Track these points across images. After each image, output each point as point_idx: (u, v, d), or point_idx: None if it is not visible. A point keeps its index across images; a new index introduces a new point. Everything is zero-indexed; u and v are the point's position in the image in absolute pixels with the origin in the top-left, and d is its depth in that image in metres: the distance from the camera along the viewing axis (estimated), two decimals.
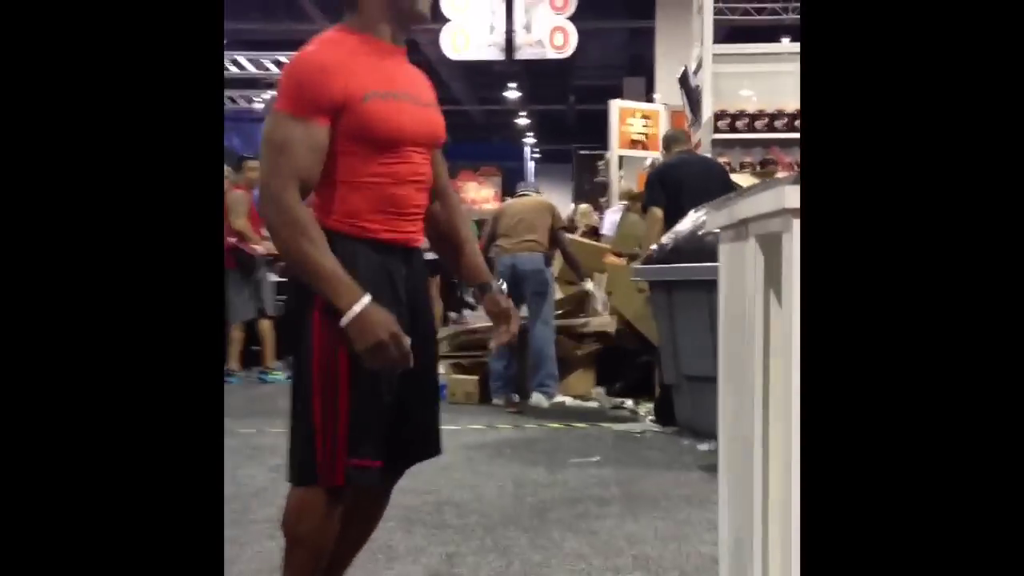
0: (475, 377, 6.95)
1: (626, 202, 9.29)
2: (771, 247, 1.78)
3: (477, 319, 9.07)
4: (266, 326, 8.18)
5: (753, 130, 9.40)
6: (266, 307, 8.15)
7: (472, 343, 7.22)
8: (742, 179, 7.29)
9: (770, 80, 9.22)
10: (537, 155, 31.97)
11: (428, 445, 2.35)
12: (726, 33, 12.65)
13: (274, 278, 8.80)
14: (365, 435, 2.12)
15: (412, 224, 2.22)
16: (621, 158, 13.18)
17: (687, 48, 10.87)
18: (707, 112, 9.44)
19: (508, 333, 2.45)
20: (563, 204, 15.37)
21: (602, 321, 7.31)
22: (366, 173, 2.12)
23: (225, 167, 8.34)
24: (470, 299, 10.89)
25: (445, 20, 12.61)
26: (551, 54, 12.89)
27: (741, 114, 9.46)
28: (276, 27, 17.03)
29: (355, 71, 2.09)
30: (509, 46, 12.77)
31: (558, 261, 7.53)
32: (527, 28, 12.71)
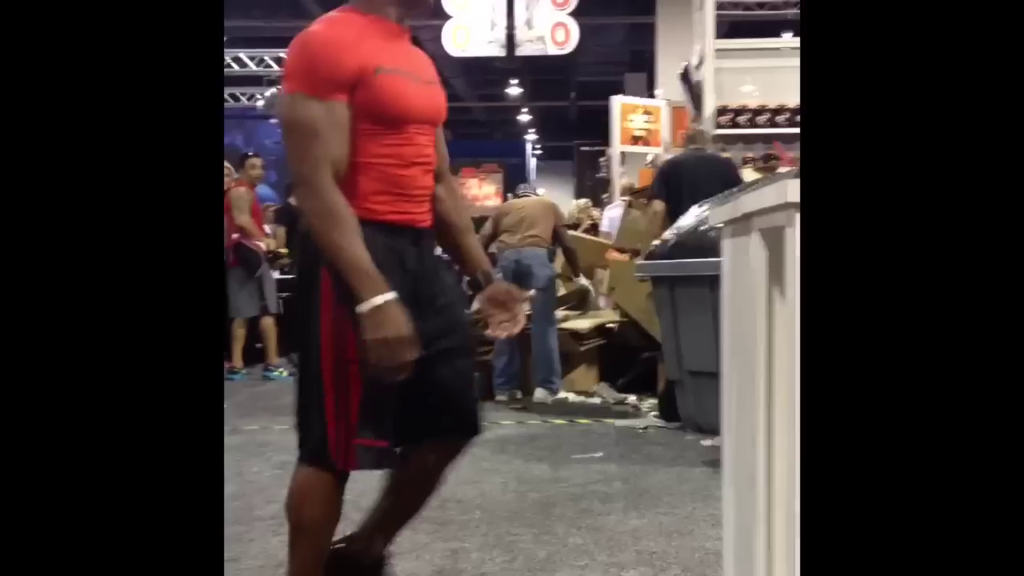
0: (477, 373, 6.95)
1: (628, 198, 9.29)
2: (774, 241, 1.78)
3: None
4: (268, 323, 8.19)
5: (755, 125, 9.40)
6: (269, 304, 8.15)
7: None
8: (744, 174, 7.30)
9: (772, 75, 9.22)
10: (539, 152, 31.95)
11: (465, 425, 2.36)
12: (727, 28, 12.64)
13: (276, 275, 8.81)
14: (374, 416, 2.12)
15: (419, 205, 2.21)
16: (623, 154, 13.16)
17: (688, 44, 10.86)
18: (709, 107, 9.44)
19: (516, 323, 2.44)
20: (565, 201, 15.37)
21: (604, 317, 7.31)
22: (372, 154, 2.11)
23: (227, 165, 8.36)
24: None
25: (447, 17, 12.59)
26: (552, 50, 12.87)
27: (743, 109, 9.46)
28: (278, 24, 17.02)
29: (366, 47, 2.09)
30: (510, 43, 12.76)
31: (558, 259, 7.54)
32: (528, 24, 12.69)
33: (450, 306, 2.30)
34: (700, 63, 9.77)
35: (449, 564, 3.18)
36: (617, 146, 12.81)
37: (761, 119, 9.37)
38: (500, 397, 6.71)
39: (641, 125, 12.76)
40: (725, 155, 7.64)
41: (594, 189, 19.87)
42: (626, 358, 7.02)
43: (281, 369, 8.25)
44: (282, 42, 18.66)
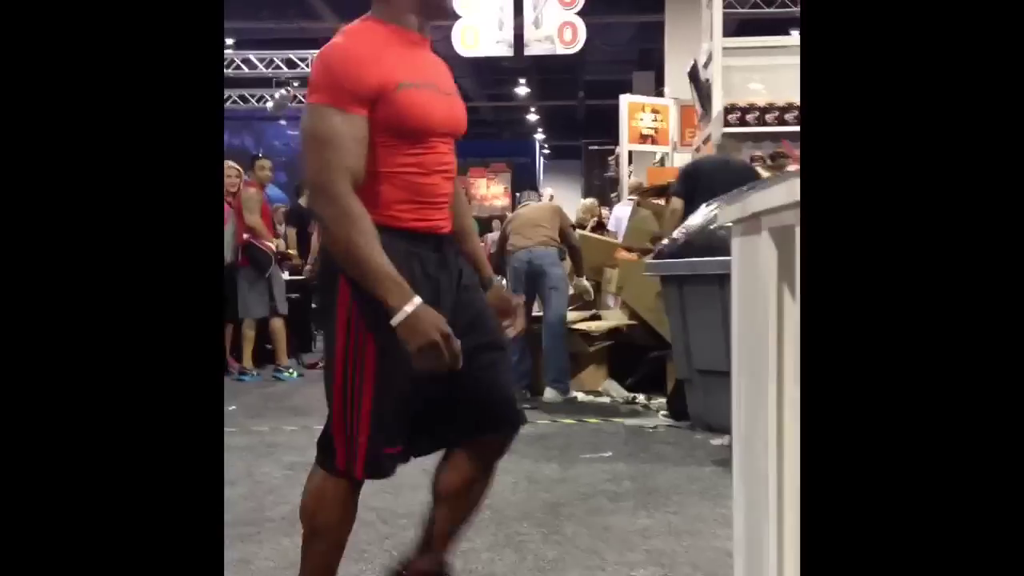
0: None
1: (636, 197, 9.29)
2: (784, 240, 1.78)
3: None
4: (278, 324, 8.21)
5: (764, 123, 9.39)
6: (278, 305, 8.17)
7: None
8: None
9: (780, 73, 9.20)
10: (547, 151, 31.95)
11: (505, 418, 2.35)
12: (736, 26, 12.62)
13: (286, 276, 8.84)
14: (385, 424, 2.13)
15: (440, 211, 2.23)
16: (631, 153, 13.17)
17: (697, 42, 10.85)
18: (717, 106, 9.43)
19: (516, 328, 2.46)
20: (573, 200, 15.36)
21: (616, 320, 7.31)
22: (395, 164, 2.12)
23: (237, 166, 8.38)
24: None
25: (456, 17, 12.61)
26: (560, 50, 12.87)
27: (751, 107, 9.44)
28: (287, 26, 17.06)
29: (388, 61, 2.10)
30: (518, 42, 12.77)
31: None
32: (536, 24, 12.69)
33: (474, 305, 2.31)
34: (708, 61, 9.76)
35: (459, 564, 3.19)
36: (625, 145, 12.82)
37: (770, 117, 9.35)
38: None
39: (649, 124, 12.76)
40: (750, 163, 7.65)
41: (602, 188, 19.89)
42: (635, 357, 7.02)
43: (291, 370, 8.27)
44: (291, 44, 18.76)
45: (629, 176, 12.82)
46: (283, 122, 21.12)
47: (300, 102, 18.67)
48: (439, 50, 2.37)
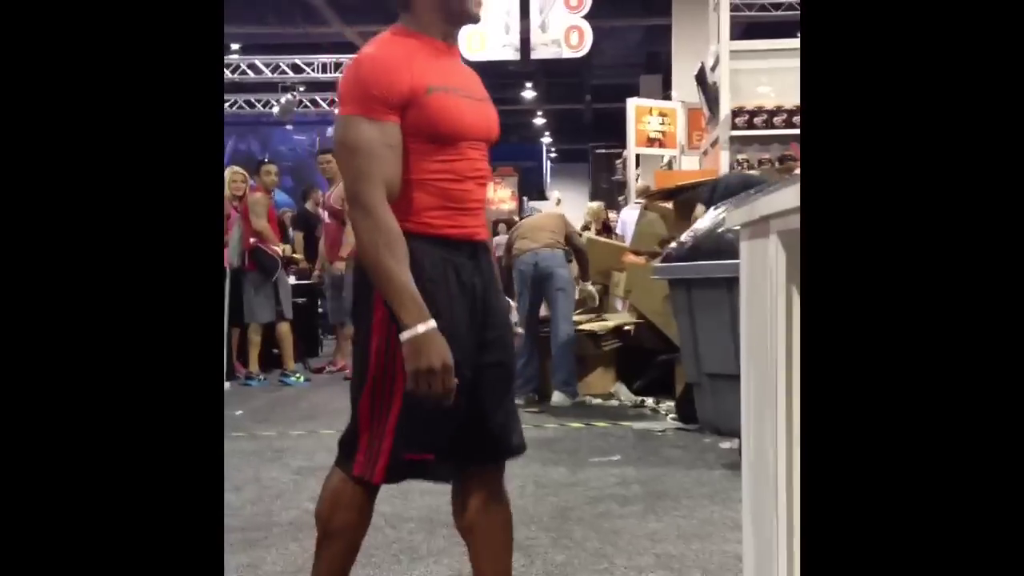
0: None
1: (643, 200, 9.28)
2: (793, 243, 1.77)
3: None
4: (284, 329, 8.21)
5: (771, 126, 9.38)
6: (284, 310, 8.18)
7: None
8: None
9: (787, 76, 9.19)
10: (554, 155, 31.98)
11: (506, 440, 2.31)
12: (743, 29, 12.63)
13: (292, 280, 8.85)
14: (417, 429, 2.11)
15: (475, 219, 2.22)
16: (638, 156, 13.17)
17: (704, 45, 10.85)
18: (725, 109, 9.42)
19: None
20: (580, 203, 15.37)
21: (622, 319, 7.31)
22: (427, 170, 2.12)
23: (243, 171, 8.41)
24: None
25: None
26: (567, 53, 12.88)
27: (759, 110, 9.44)
28: (292, 31, 17.09)
29: (417, 66, 2.10)
30: (525, 46, 12.78)
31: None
32: (542, 28, 12.70)
33: (502, 322, 2.30)
34: (716, 64, 9.76)
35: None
36: (632, 148, 12.82)
37: (777, 120, 9.35)
38: (517, 400, 6.70)
39: (656, 127, 12.76)
40: (759, 166, 7.69)
41: (609, 191, 19.89)
42: (643, 361, 7.01)
43: (298, 374, 8.27)
44: (297, 49, 18.81)
45: (636, 179, 12.81)
46: (289, 127, 21.15)
47: (306, 107, 18.74)
48: None
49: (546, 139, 29.70)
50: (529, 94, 22.80)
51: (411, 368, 2.01)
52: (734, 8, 10.08)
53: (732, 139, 9.37)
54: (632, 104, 12.87)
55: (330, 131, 20.21)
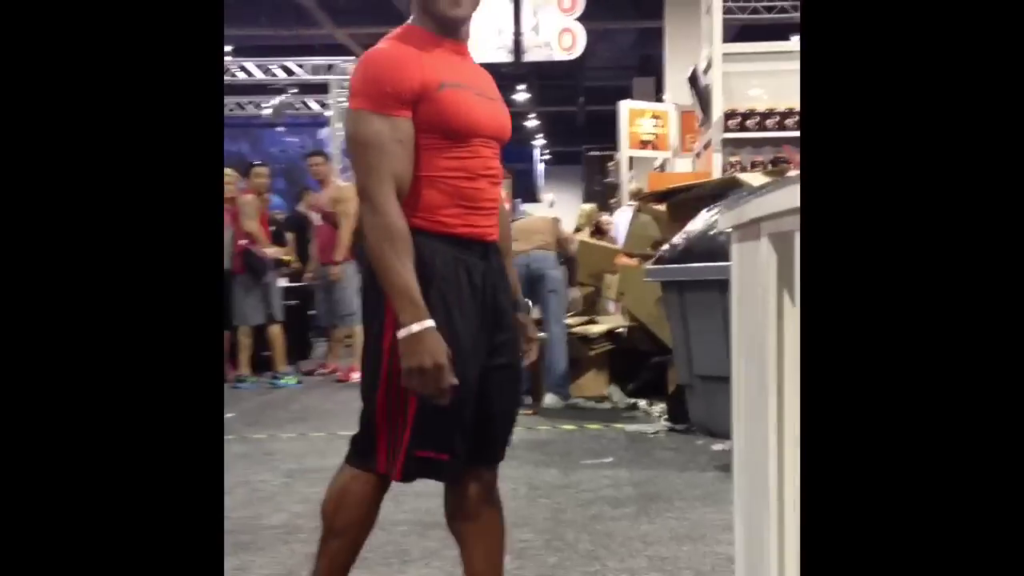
0: None
1: (636, 203, 9.28)
2: (784, 246, 1.77)
3: None
4: (276, 331, 8.19)
5: (764, 129, 9.40)
6: (275, 312, 8.16)
7: None
8: (753, 178, 7.30)
9: (780, 78, 9.22)
10: (547, 157, 31.98)
11: (504, 442, 2.32)
12: (735, 32, 12.65)
13: (283, 283, 8.83)
14: (433, 428, 2.11)
15: (487, 218, 2.20)
16: (631, 159, 13.19)
17: (696, 47, 10.87)
18: (717, 111, 9.44)
19: (529, 359, 2.45)
20: (573, 205, 15.37)
21: (614, 322, 7.31)
22: (440, 167, 2.11)
23: (234, 173, 8.39)
24: None
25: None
26: (559, 56, 12.88)
27: (751, 113, 9.46)
28: (284, 33, 17.08)
29: (429, 62, 2.09)
30: (517, 48, 12.77)
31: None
32: (535, 30, 12.70)
33: (509, 323, 2.29)
34: (708, 67, 9.77)
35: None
36: (625, 150, 12.85)
37: (770, 122, 9.37)
38: None
39: (649, 129, 12.79)
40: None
41: (602, 194, 19.90)
42: (636, 363, 7.02)
43: (289, 377, 8.26)
44: (289, 51, 18.78)
45: (630, 182, 12.82)
46: (280, 129, 21.13)
47: (297, 109, 18.71)
48: None
49: (539, 141, 29.71)
50: (522, 96, 22.79)
51: (404, 366, 2.02)
52: (727, 11, 10.09)
53: (725, 141, 9.38)
54: (625, 106, 12.89)
55: (321, 133, 20.27)
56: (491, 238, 2.23)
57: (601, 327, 7.18)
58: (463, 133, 2.12)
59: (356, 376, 8.16)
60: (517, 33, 12.69)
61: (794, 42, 10.71)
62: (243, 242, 7.94)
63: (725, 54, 9.54)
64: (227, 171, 8.32)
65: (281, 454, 5.15)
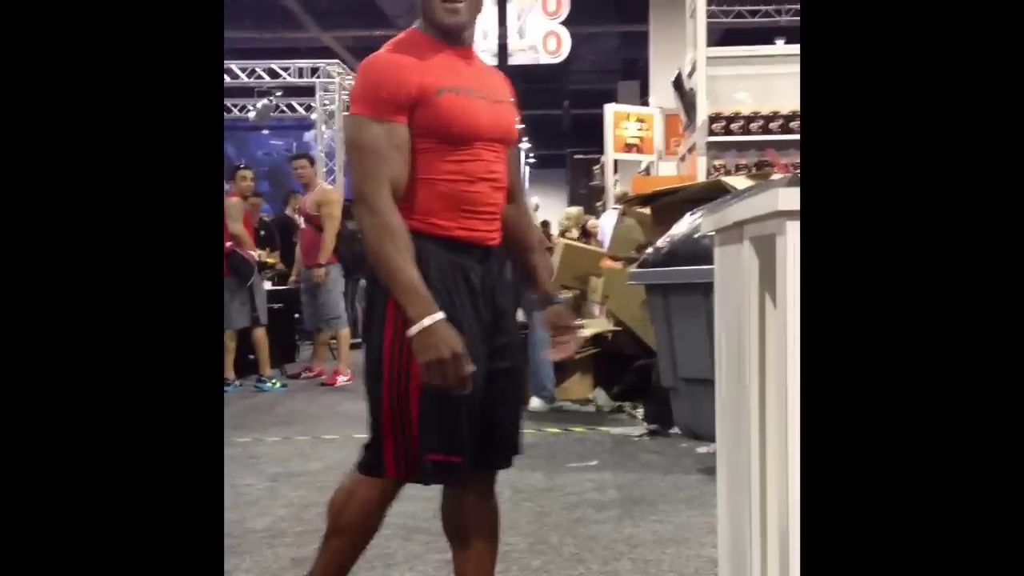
0: None
1: (621, 206, 9.30)
2: (765, 249, 1.78)
3: None
4: (260, 334, 8.16)
5: (748, 132, 9.44)
6: (260, 315, 8.13)
7: None
8: (737, 182, 7.32)
9: (765, 82, 9.26)
10: (532, 160, 31.98)
11: (512, 447, 2.35)
12: (720, 36, 12.69)
13: (268, 286, 8.80)
14: (438, 431, 2.11)
15: (487, 223, 2.20)
16: (616, 162, 13.21)
17: (681, 51, 10.89)
18: (702, 115, 9.47)
19: (569, 348, 2.48)
20: (559, 209, 15.39)
21: (600, 327, 7.31)
22: (439, 171, 2.11)
23: None
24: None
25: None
26: (544, 59, 12.91)
27: (736, 116, 9.49)
28: (269, 36, 17.04)
29: (427, 67, 2.10)
30: (503, 52, 12.77)
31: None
32: (520, 33, 12.72)
33: (509, 328, 2.29)
34: (693, 70, 9.80)
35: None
36: (611, 154, 12.87)
37: (754, 126, 9.41)
38: None
39: (634, 133, 12.82)
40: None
41: (588, 197, 19.93)
42: (621, 366, 7.02)
43: (274, 380, 8.23)
44: (274, 54, 18.72)
45: (615, 185, 12.84)
46: (265, 132, 21.07)
47: (282, 112, 18.68)
48: None
49: (524, 144, 29.70)
50: None
51: (422, 361, 2.01)
52: (711, 15, 10.12)
53: (709, 145, 9.41)
54: (610, 110, 12.92)
55: (306, 136, 20.23)
56: (491, 242, 2.22)
57: (586, 331, 7.18)
58: (461, 137, 2.12)
59: (342, 380, 8.17)
60: (502, 37, 12.69)
61: (779, 46, 10.76)
62: (228, 244, 7.92)
63: (709, 58, 9.57)
64: None
65: (266, 458, 5.13)
